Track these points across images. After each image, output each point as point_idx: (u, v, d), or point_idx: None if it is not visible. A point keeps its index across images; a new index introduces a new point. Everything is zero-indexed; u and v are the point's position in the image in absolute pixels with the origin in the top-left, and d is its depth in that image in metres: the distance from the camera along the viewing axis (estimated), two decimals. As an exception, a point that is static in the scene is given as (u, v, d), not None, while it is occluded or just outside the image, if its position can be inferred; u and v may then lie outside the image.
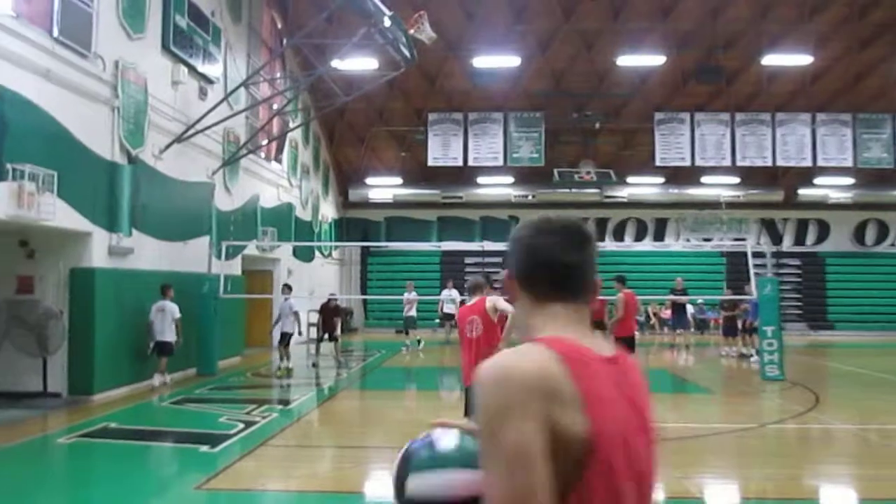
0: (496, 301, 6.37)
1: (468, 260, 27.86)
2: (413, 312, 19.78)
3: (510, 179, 26.97)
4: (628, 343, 11.87)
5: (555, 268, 1.50)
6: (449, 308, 20.43)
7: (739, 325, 17.87)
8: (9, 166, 8.86)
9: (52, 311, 10.56)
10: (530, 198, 27.63)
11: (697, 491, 6.41)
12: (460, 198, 27.82)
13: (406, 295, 19.69)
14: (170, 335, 12.05)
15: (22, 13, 9.41)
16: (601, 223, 28.68)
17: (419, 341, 19.86)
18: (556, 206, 28.18)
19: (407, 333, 19.69)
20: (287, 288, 15.38)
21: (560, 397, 1.30)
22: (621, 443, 1.35)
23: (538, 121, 22.93)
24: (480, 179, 26.92)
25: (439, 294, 21.41)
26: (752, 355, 16.71)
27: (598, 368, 1.38)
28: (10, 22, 9.10)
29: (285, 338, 14.44)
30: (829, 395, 12.37)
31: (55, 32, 9.92)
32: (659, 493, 6.34)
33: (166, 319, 12.05)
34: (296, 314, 14.51)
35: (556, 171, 25.21)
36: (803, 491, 6.52)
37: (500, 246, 26.19)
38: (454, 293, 20.80)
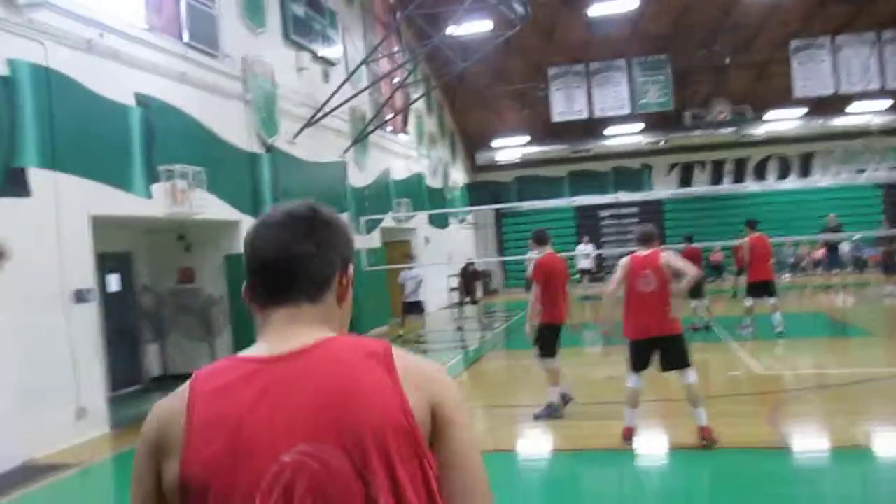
0: (670, 258, 6.04)
1: (602, 213, 27.41)
2: None
3: (639, 126, 26.12)
4: (765, 288, 11.53)
5: (255, 264, 1.27)
6: (584, 264, 20.24)
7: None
8: (160, 168, 9.54)
9: (212, 298, 11.35)
10: (662, 143, 26.72)
11: (864, 440, 6.09)
12: (589, 151, 27.29)
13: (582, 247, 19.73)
14: (416, 295, 14.02)
15: (154, 25, 10.02)
16: (740, 164, 27.29)
17: None
18: (689, 149, 27.16)
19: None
20: (410, 258, 15.86)
21: (166, 439, 1.15)
22: (234, 469, 1.09)
23: (663, 63, 22.01)
24: (608, 130, 26.26)
25: (574, 250, 21.17)
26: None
27: (233, 380, 1.15)
28: (144, 34, 9.72)
29: (414, 307, 14.92)
30: None
31: (185, 38, 10.53)
32: (824, 441, 6.10)
33: (413, 280, 14.03)
34: (419, 283, 14.91)
35: (686, 113, 24.17)
36: None
37: (635, 196, 25.71)
38: (589, 248, 20.56)
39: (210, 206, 10.49)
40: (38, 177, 7.71)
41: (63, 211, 7.96)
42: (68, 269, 8.04)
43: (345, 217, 14.79)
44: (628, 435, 6.09)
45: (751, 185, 26.89)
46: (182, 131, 10.19)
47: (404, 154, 20.29)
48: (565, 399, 7.48)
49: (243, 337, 11.44)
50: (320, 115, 13.95)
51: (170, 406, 1.18)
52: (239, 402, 1.12)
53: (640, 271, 6.03)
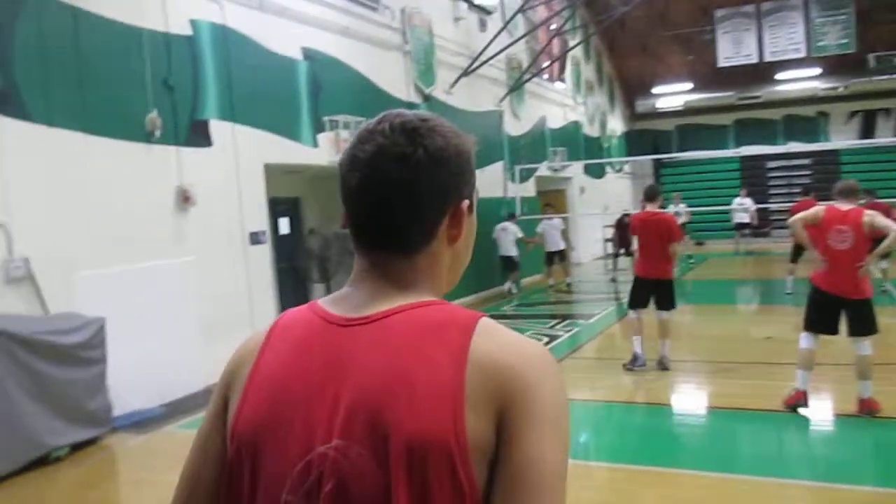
0: (874, 217, 5.57)
1: (770, 164, 25.84)
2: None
3: (816, 71, 24.21)
4: None
5: (343, 191, 1.07)
6: (741, 218, 19.30)
7: None
8: (325, 119, 10.05)
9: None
10: (841, 90, 24.65)
11: None
12: (758, 97, 25.68)
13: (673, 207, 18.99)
14: (513, 251, 14.19)
15: (320, -22, 10.45)
16: (935, 111, 24.71)
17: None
18: (872, 96, 24.89)
19: None
20: (549, 207, 15.92)
21: (236, 378, 1.06)
22: (270, 442, 0.98)
23: (845, 1, 20.20)
24: (780, 75, 24.54)
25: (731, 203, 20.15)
26: None
27: (300, 333, 1.04)
28: (312, -12, 10.18)
29: (553, 256, 15.04)
30: None
31: (348, -9, 10.91)
32: None
33: (508, 237, 14.13)
34: (562, 232, 15.07)
35: (871, 56, 22.12)
36: None
37: (809, 147, 24.01)
38: (747, 201, 19.54)
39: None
40: (218, 128, 8.39)
41: (240, 159, 8.62)
42: (245, 213, 8.75)
43: (499, 166, 15.13)
44: (799, 399, 5.77)
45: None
46: (345, 83, 10.65)
47: (561, 102, 20.05)
48: (662, 363, 7.50)
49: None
50: (477, 64, 14.06)
51: (249, 345, 1.09)
52: (295, 369, 1.00)
53: (835, 225, 5.59)
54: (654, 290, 7.63)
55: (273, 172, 9.43)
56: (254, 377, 1.03)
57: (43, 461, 5.65)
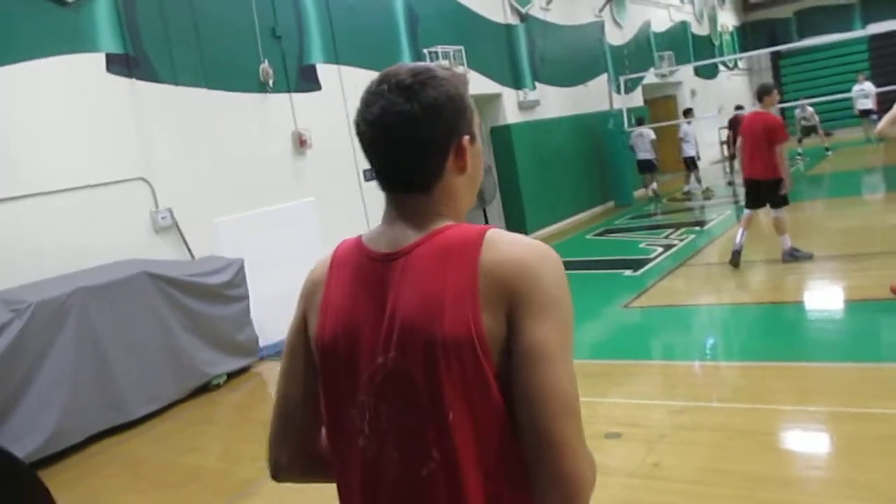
0: None
1: (905, 42, 23.84)
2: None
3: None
4: None
5: (362, 141, 1.26)
6: (864, 104, 18.20)
7: None
8: (425, 51, 10.21)
9: (483, 166, 12.11)
10: None
11: None
12: (888, -32, 23.56)
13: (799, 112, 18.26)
14: (649, 154, 14.48)
15: None
16: None
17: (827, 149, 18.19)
18: None
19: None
20: (687, 112, 15.51)
21: (313, 299, 1.30)
22: (345, 357, 1.22)
23: None
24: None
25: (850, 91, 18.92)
26: None
27: (352, 270, 1.25)
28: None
29: (688, 162, 14.85)
30: None
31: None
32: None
33: (644, 142, 14.48)
34: (652, 142, 14.68)
35: None
36: None
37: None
38: (866, 85, 18.33)
39: (473, 82, 11.05)
40: (325, 71, 8.76)
41: (348, 99, 8.98)
42: (358, 151, 8.92)
43: (603, 79, 14.82)
44: None
45: None
46: (441, 12, 10.73)
47: (665, 3, 19.21)
48: (794, 254, 7.70)
49: (512, 204, 12.17)
50: (573, -26, 13.73)
51: (316, 274, 1.33)
52: (353, 298, 1.23)
53: None
54: (762, 190, 7.70)
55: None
56: (327, 301, 1.26)
57: (205, 388, 6.37)
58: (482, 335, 1.10)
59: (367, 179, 9.20)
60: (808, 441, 3.96)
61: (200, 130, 7.29)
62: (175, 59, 7.11)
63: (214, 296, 6.51)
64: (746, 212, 8.07)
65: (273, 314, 7.48)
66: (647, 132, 14.59)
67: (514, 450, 1.13)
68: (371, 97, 1.21)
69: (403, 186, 1.24)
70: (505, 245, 1.16)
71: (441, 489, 1.13)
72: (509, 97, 12.21)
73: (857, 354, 4.97)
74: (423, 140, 1.19)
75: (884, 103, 20.42)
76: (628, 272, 8.60)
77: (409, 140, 1.18)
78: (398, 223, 1.24)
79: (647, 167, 14.79)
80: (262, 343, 7.12)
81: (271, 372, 6.85)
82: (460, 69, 10.47)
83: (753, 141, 7.62)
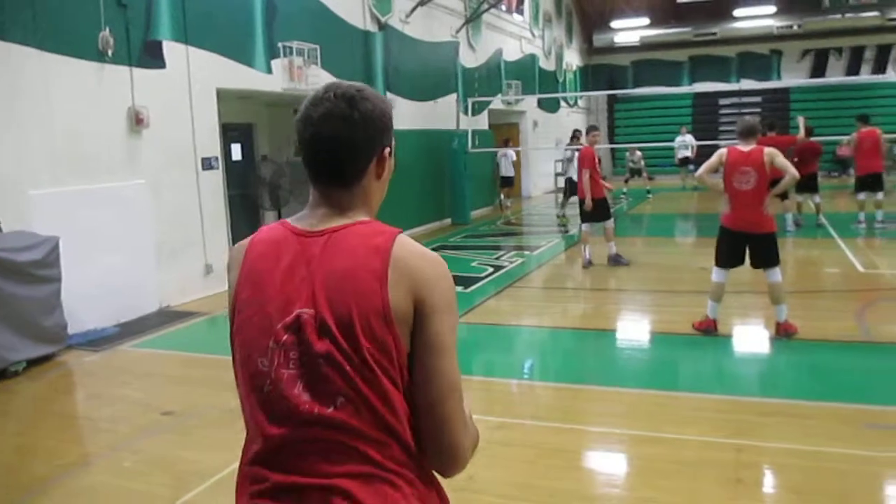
0: (775, 156, 5.80)
1: (723, 101, 26.24)
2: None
3: (772, 9, 24.48)
4: (871, 182, 11.87)
5: (300, 142, 1.46)
6: (684, 154, 20.13)
7: None
8: (280, 45, 10.00)
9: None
10: (795, 28, 24.99)
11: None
12: (714, 34, 25.88)
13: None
14: (510, 172, 17.22)
15: None
16: (882, 51, 25.25)
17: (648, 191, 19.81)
18: (826, 34, 25.28)
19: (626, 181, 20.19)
20: (509, 141, 18.01)
21: (233, 273, 1.50)
22: (258, 310, 1.40)
23: (804, -61, 20.34)
24: (737, 12, 24.76)
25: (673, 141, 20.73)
26: None
27: (274, 243, 1.45)
28: None
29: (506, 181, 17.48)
30: None
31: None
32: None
33: (507, 161, 16.95)
34: (514, 163, 17.51)
35: (826, -6, 22.44)
36: None
37: (760, 84, 24.44)
38: (688, 138, 20.25)
39: (324, 83, 10.93)
40: (171, 50, 8.34)
41: (193, 82, 8.60)
42: (198, 137, 8.77)
43: (387, 99, 15.17)
44: (709, 326, 6.27)
45: (893, 75, 24.95)
46: (301, 9, 10.56)
47: (518, 34, 20.01)
48: (617, 259, 9.78)
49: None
50: (434, -8, 13.97)
51: (237, 249, 1.51)
52: (270, 263, 1.42)
53: (738, 167, 5.88)
54: (597, 206, 9.68)
55: (226, 97, 9.43)
56: (243, 270, 1.46)
57: (1, 375, 5.83)
58: (387, 305, 1.32)
59: (204, 168, 8.86)
60: (610, 461, 4.23)
61: (24, 93, 6.70)
62: (5, 12, 6.50)
63: (20, 274, 5.99)
64: (585, 227, 9.90)
65: (89, 301, 7.02)
66: (511, 153, 16.97)
67: (405, 402, 1.36)
68: (317, 100, 1.44)
69: (331, 179, 1.45)
70: (414, 247, 1.41)
71: (343, 425, 1.31)
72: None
73: (659, 383, 5.39)
74: (357, 141, 1.42)
75: (701, 155, 22.46)
76: (459, 289, 8.81)
77: (345, 139, 1.41)
78: (322, 209, 1.46)
79: (507, 183, 17.48)
80: (71, 330, 6.64)
81: (78, 363, 6.40)
82: (312, 68, 10.37)
83: (579, 168, 9.94)
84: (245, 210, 11.47)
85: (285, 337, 1.35)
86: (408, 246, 1.39)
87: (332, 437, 1.32)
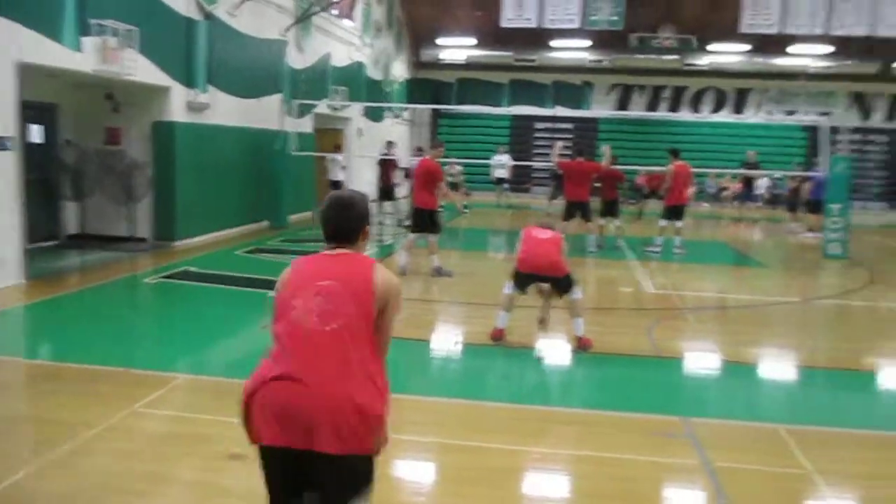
0: (561, 249, 6.58)
1: (538, 125, 27.68)
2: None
3: (586, 43, 26.18)
4: (677, 211, 12.89)
5: (322, 224, 2.72)
6: (500, 173, 21.16)
7: (800, 200, 17.27)
8: (93, 22, 9.31)
9: (137, 162, 11.31)
10: (605, 63, 26.91)
11: (745, 355, 6.78)
12: (533, 61, 27.26)
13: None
14: (340, 175, 17.44)
15: None
16: (678, 92, 27.83)
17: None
18: (632, 72, 27.43)
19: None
20: (337, 147, 17.76)
21: (282, 284, 2.61)
22: (304, 285, 2.54)
23: (618, -19, 21.91)
24: (555, 42, 26.23)
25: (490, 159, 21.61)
26: (804, 232, 16.74)
27: (305, 265, 2.63)
28: None
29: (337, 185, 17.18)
30: (887, 275, 12.29)
31: None
32: (711, 359, 6.80)
33: (336, 166, 17.34)
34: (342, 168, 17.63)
35: (634, 35, 24.30)
36: (834, 361, 6.83)
37: (573, 112, 26.04)
38: (504, 158, 21.28)
39: (141, 69, 10.33)
40: (-39, 15, 7.52)
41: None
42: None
43: (277, 98, 14.86)
44: (498, 336, 6.69)
45: (685, 115, 27.53)
46: (117, -14, 9.91)
47: (347, 41, 19.96)
48: (440, 272, 10.05)
49: (163, 204, 11.52)
50: (264, -12, 13.63)
51: (285, 271, 2.64)
52: (307, 267, 2.62)
53: (533, 229, 6.71)
54: (424, 218, 10.06)
55: (27, 73, 8.61)
56: (290, 276, 2.61)
57: None
58: (373, 293, 2.53)
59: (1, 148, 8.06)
60: (419, 470, 4.29)
61: None
62: None
63: None
64: (410, 236, 10.21)
65: None
66: (339, 158, 17.44)
67: (373, 338, 2.55)
68: (335, 199, 2.74)
69: (340, 241, 2.69)
70: (384, 272, 2.61)
71: (337, 339, 2.43)
72: (178, 94, 11.61)
73: (467, 392, 5.56)
74: (353, 220, 2.71)
75: (517, 174, 23.56)
76: (273, 293, 8.57)
77: (349, 218, 2.70)
78: (336, 250, 2.68)
79: (336, 187, 16.87)
80: None
81: None
82: (129, 51, 9.76)
83: (419, 179, 10.11)
84: (43, 199, 10.56)
85: (311, 295, 2.49)
86: (381, 270, 2.61)
87: (331, 345, 2.44)
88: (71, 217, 11.73)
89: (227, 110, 13.07)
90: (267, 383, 2.39)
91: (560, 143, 13.44)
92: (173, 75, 11.38)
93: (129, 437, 4.41)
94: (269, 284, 8.99)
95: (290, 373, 2.37)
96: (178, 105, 11.64)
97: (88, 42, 9.30)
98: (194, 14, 11.85)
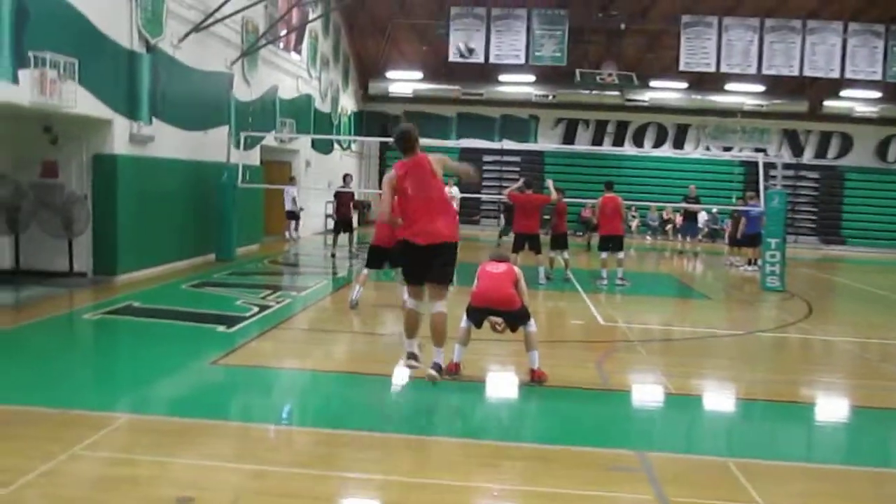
0: (520, 280, 6.71)
1: (486, 158, 27.98)
2: None
3: (531, 78, 26.71)
4: (612, 241, 13.40)
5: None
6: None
7: (738, 234, 17.77)
8: (30, 54, 9.09)
9: (76, 195, 11.02)
10: (551, 98, 27.47)
11: (693, 387, 6.87)
12: (480, 95, 27.67)
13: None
14: (294, 206, 19.20)
15: None
16: (621, 127, 28.54)
17: None
18: (576, 107, 28.04)
19: None
20: (292, 179, 17.85)
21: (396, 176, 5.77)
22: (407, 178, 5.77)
23: (562, 19, 22.48)
24: (502, 77, 26.68)
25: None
26: (743, 265, 17.25)
27: (406, 168, 5.77)
28: None
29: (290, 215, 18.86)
30: (823, 307, 12.68)
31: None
32: (661, 392, 6.86)
33: (289, 197, 18.86)
34: (293, 199, 19.28)
35: (578, 71, 24.89)
36: (778, 394, 6.97)
37: (519, 146, 26.42)
38: (454, 191, 21.39)
39: (81, 101, 10.10)
40: None
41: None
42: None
43: (224, 131, 14.70)
44: (454, 370, 6.60)
45: (628, 149, 28.21)
46: (58, 17, 9.71)
47: (295, 73, 19.94)
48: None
49: (104, 238, 11.23)
50: (211, 20, 13.54)
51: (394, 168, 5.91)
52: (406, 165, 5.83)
53: (489, 264, 6.82)
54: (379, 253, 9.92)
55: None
56: (401, 173, 5.89)
57: None
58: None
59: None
60: (369, 509, 4.19)
61: None
62: None
63: None
64: (364, 271, 10.08)
65: None
66: (291, 189, 18.71)
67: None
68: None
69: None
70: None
71: (433, 202, 5.81)
72: (121, 126, 11.39)
73: (416, 428, 5.49)
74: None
75: (464, 207, 23.69)
76: (221, 328, 8.44)
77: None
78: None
79: (291, 216, 19.35)
80: None
81: None
82: (69, 83, 9.56)
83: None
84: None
85: (410, 181, 5.74)
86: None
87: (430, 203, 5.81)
88: (5, 252, 11.33)
89: (172, 143, 12.87)
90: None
91: (551, 181, 13.83)
92: (115, 108, 11.16)
93: (67, 482, 4.21)
94: (216, 318, 8.90)
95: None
96: (121, 137, 11.41)
97: (26, 74, 9.07)
98: (137, 47, 11.68)
